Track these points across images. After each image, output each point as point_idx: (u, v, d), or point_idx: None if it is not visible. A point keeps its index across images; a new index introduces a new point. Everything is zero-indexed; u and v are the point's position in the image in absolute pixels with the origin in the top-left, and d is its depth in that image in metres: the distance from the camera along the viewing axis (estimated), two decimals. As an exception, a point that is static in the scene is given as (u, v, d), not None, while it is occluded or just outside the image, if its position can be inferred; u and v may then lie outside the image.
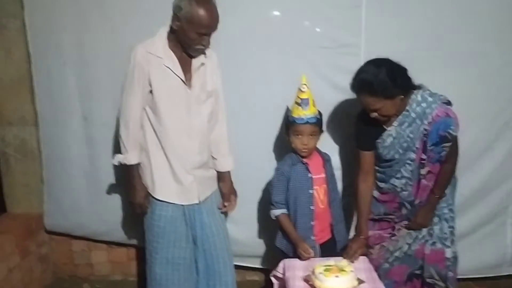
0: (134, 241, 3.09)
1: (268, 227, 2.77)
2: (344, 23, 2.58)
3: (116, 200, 2.94)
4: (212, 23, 2.09)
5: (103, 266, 3.25)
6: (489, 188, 2.81)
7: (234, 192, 2.54)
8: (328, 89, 2.61)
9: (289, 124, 2.36)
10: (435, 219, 2.35)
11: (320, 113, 2.39)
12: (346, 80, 2.52)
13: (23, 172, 3.05)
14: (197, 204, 2.36)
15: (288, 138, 2.40)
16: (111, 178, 2.91)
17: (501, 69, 2.65)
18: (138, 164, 2.30)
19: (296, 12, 2.61)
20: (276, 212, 2.45)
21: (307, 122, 2.32)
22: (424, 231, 2.37)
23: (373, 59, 2.18)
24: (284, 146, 2.60)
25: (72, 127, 2.90)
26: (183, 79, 2.21)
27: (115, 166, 2.84)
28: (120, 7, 2.68)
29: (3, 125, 2.98)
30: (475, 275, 2.93)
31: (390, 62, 2.14)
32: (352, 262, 2.28)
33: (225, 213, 2.56)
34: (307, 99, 2.29)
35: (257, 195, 2.83)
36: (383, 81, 2.09)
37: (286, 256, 2.45)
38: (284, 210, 2.44)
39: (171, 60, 2.18)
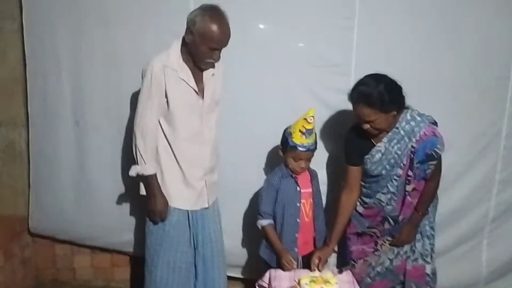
0: (118, 247, 3.10)
1: (252, 237, 2.81)
2: (336, 43, 2.66)
3: (102, 205, 2.95)
4: (223, 38, 2.17)
5: (85, 271, 3.23)
6: (466, 208, 2.88)
7: None
8: (317, 106, 2.64)
9: (288, 148, 2.41)
10: (418, 236, 2.42)
11: (316, 135, 2.46)
12: (335, 98, 2.63)
13: (10, 174, 3.04)
14: (201, 209, 2.42)
15: (285, 159, 2.46)
16: (99, 184, 2.92)
17: (482, 96, 2.75)
18: (155, 174, 2.32)
19: (289, 30, 2.68)
20: (263, 222, 2.50)
21: (308, 149, 2.40)
22: (406, 247, 2.44)
23: (373, 73, 2.27)
24: (274, 158, 2.67)
25: (63, 131, 2.91)
26: (196, 90, 2.29)
27: (103, 173, 2.89)
28: (118, 14, 2.72)
29: (-8, 125, 2.98)
30: (451, 293, 3.00)
31: (389, 78, 2.23)
32: (315, 270, 2.35)
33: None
34: (312, 129, 2.37)
35: (244, 205, 2.87)
36: (382, 94, 2.18)
37: (269, 266, 2.50)
38: (270, 221, 2.50)
39: (185, 73, 2.25)
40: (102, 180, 2.91)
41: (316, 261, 2.39)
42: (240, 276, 3.09)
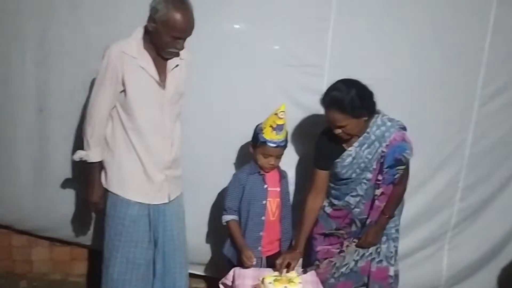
0: (78, 240, 3.02)
1: (217, 235, 2.79)
2: (311, 44, 2.66)
3: (63, 196, 2.86)
4: (187, 27, 2.11)
5: (43, 264, 3.14)
6: (430, 213, 2.94)
7: None
8: (290, 106, 2.64)
9: (258, 143, 2.40)
10: (383, 238, 2.45)
11: (287, 133, 2.46)
12: (308, 99, 2.63)
13: (-34, 160, 2.91)
14: (163, 205, 2.36)
15: (254, 155, 2.45)
16: (60, 174, 2.83)
17: (450, 104, 2.81)
18: (99, 162, 2.27)
19: (264, 29, 2.66)
20: (227, 217, 2.49)
21: (278, 146, 2.39)
22: (372, 249, 2.46)
23: (345, 78, 2.28)
24: (244, 155, 2.66)
25: (26, 118, 2.80)
26: (157, 79, 2.22)
27: (66, 162, 2.80)
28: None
29: (-49, 109, 2.83)
30: (412, 296, 3.05)
31: (361, 84, 2.25)
32: (283, 273, 2.31)
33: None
34: (282, 125, 2.37)
35: (211, 202, 2.85)
36: (353, 100, 2.19)
37: (232, 264, 2.49)
38: (235, 217, 2.49)
39: (146, 61, 2.18)
40: (64, 171, 2.82)
41: (285, 270, 2.35)
42: (203, 274, 3.06)
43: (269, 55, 2.68)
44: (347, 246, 2.47)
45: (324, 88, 2.35)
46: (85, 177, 2.31)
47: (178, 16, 2.07)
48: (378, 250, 2.45)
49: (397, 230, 2.48)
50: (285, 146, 2.44)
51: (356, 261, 2.48)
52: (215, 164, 2.75)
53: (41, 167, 2.85)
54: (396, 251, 2.49)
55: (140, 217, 2.32)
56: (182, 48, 2.17)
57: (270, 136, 2.36)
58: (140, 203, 2.31)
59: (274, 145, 2.37)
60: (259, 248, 2.49)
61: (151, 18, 2.11)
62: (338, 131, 2.27)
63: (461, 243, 3.03)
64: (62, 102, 2.74)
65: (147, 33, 2.17)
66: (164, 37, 2.11)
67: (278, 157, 2.44)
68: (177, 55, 2.22)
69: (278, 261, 2.34)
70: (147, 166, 2.28)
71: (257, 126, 2.44)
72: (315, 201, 2.47)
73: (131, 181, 2.29)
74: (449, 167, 2.91)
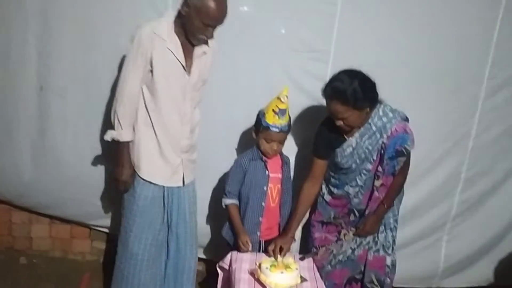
0: (77, 219, 3.04)
1: (217, 217, 2.80)
2: (317, 29, 2.62)
3: (62, 174, 2.86)
4: (219, 16, 2.12)
5: (42, 241, 3.15)
6: (430, 204, 2.94)
7: None
8: (293, 91, 2.62)
9: (261, 128, 2.38)
10: (381, 228, 2.45)
11: (290, 118, 2.43)
12: (311, 84, 2.60)
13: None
14: (178, 188, 2.39)
15: (257, 140, 2.44)
16: (59, 151, 2.83)
17: (455, 95, 2.78)
18: (129, 142, 2.29)
19: (271, 13, 2.63)
20: (227, 201, 2.50)
21: (281, 130, 2.37)
22: (369, 238, 2.46)
23: (347, 69, 2.24)
24: (247, 140, 2.65)
25: (26, 94, 2.78)
26: (184, 64, 2.23)
27: (65, 140, 2.80)
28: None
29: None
30: (408, 285, 3.06)
31: (363, 74, 2.21)
32: (276, 258, 2.30)
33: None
34: (285, 109, 2.34)
35: (212, 186, 2.84)
36: (356, 92, 2.15)
37: (230, 246, 2.50)
38: (235, 201, 2.49)
39: (174, 44, 2.19)
40: (63, 148, 2.81)
41: (278, 250, 2.35)
42: (202, 256, 3.07)
43: (275, 39, 2.65)
44: (345, 234, 2.48)
45: (328, 74, 2.32)
46: (116, 157, 2.32)
47: (212, 3, 2.07)
48: (376, 239, 2.46)
49: (395, 220, 2.48)
50: (288, 131, 2.42)
51: (354, 249, 2.49)
52: (217, 148, 2.74)
53: (39, 144, 2.84)
54: (393, 240, 2.48)
55: (155, 199, 2.37)
56: (212, 36, 2.18)
57: (272, 120, 2.34)
58: (155, 184, 2.34)
59: (277, 129, 2.35)
60: (258, 233, 2.50)
61: (185, 2, 2.11)
62: (340, 122, 2.24)
63: (459, 234, 3.03)
64: (62, 79, 2.72)
65: (179, 17, 2.17)
66: (196, 23, 2.11)
67: (281, 142, 2.42)
68: (206, 42, 2.23)
69: (270, 247, 2.36)
70: (164, 148, 2.31)
71: (259, 111, 2.42)
72: (311, 188, 2.47)
73: (148, 162, 2.32)
74: (452, 158, 2.89)
